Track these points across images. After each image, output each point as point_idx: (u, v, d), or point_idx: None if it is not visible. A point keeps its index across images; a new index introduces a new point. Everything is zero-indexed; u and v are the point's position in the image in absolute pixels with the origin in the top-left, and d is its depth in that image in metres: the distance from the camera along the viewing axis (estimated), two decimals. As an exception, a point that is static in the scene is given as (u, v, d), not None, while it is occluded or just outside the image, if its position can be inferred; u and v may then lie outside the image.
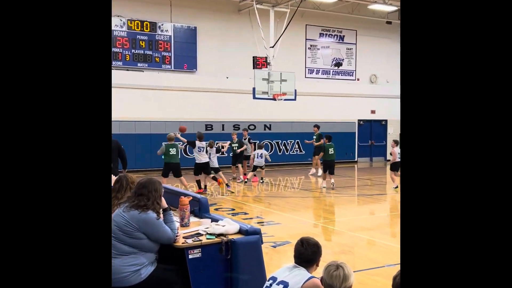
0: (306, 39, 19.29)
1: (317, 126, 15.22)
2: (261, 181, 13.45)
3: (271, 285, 2.92)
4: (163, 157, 11.14)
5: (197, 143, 11.55)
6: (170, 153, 10.95)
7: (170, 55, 16.38)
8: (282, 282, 2.89)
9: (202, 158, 11.54)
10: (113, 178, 7.69)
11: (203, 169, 11.56)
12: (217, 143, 12.61)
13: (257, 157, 13.20)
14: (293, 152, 18.64)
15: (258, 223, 8.16)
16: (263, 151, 13.37)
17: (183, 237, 3.57)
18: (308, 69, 19.37)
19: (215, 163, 11.94)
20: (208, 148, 11.99)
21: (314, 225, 8.56)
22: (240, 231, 3.72)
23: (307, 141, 15.75)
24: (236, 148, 13.83)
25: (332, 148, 12.36)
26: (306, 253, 2.96)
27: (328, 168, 12.38)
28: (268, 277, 3.06)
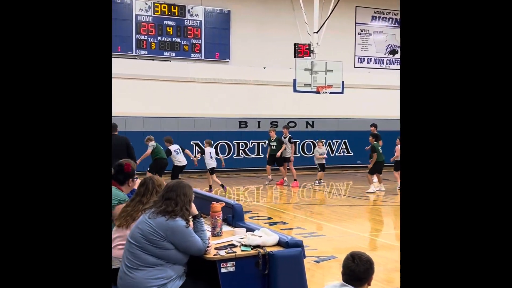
0: (356, 23, 19.09)
1: (374, 125, 14.89)
2: (317, 183, 14.09)
3: None
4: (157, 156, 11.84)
5: (171, 147, 12.33)
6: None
7: (200, 42, 16.58)
8: None
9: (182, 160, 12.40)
10: None
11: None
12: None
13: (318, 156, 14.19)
14: (340, 153, 18.47)
15: (299, 234, 8.14)
16: (323, 148, 14.37)
17: (215, 248, 3.60)
18: (358, 58, 19.17)
19: (211, 164, 12.44)
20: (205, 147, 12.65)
21: (363, 237, 8.46)
22: (279, 243, 3.72)
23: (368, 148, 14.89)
24: (274, 147, 13.82)
25: (380, 148, 12.94)
26: (358, 270, 2.93)
27: (380, 169, 12.92)
28: None
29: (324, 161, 14.39)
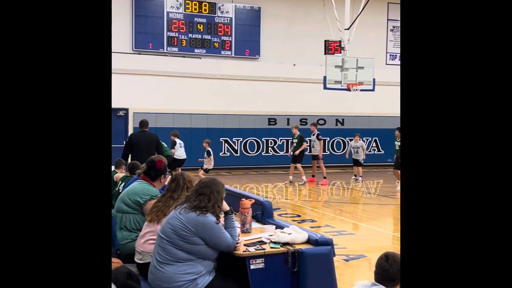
0: (388, 19, 18.84)
1: None
2: (357, 178, 14.24)
3: None
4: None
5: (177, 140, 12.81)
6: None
7: (230, 39, 16.64)
8: None
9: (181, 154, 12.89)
10: None
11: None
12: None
13: (355, 152, 14.05)
14: (370, 151, 18.26)
15: (328, 232, 8.10)
16: (360, 143, 14.09)
17: (244, 245, 3.61)
18: (390, 55, 18.91)
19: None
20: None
21: (394, 237, 8.36)
22: (308, 241, 3.71)
23: None
24: (295, 144, 13.68)
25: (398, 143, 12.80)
26: (391, 270, 2.90)
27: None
28: None
29: (360, 157, 14.23)
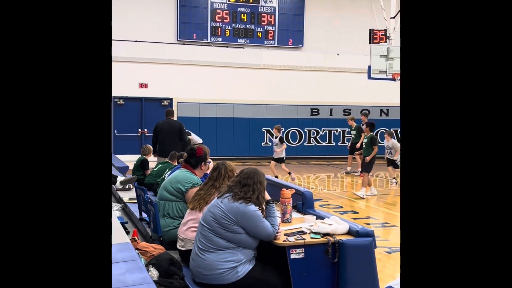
0: (435, 7, 18.32)
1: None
2: (395, 181, 12.18)
3: None
4: None
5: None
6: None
7: (274, 29, 16.59)
8: None
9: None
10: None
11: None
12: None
13: (388, 153, 12.10)
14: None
15: (370, 224, 8.02)
16: (391, 142, 12.05)
17: (284, 234, 3.62)
18: (437, 44, 18.42)
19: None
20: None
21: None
22: (349, 232, 3.70)
23: None
24: (354, 136, 13.57)
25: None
26: None
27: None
28: (383, 287, 3.01)
29: (394, 157, 12.07)
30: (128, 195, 7.00)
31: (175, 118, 13.48)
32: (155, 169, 7.53)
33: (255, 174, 3.66)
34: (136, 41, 14.94)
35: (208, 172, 4.60)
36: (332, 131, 17.23)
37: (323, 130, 17.11)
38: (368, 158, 10.43)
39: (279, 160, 12.01)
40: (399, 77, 13.61)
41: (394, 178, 12.32)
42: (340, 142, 17.23)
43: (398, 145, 11.81)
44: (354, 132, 13.58)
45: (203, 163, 4.79)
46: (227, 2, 16.19)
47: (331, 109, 17.11)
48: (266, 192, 3.71)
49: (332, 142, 17.19)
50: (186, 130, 10.97)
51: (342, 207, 9.47)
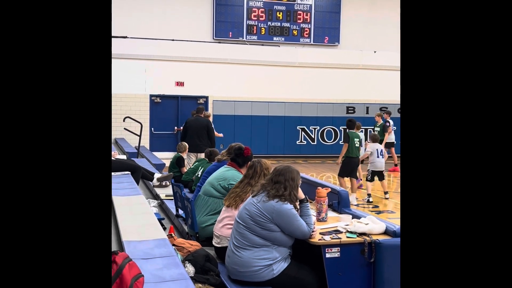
0: (475, 3, 17.90)
1: None
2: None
3: None
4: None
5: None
6: (355, 144, 9.19)
7: (309, 27, 16.51)
8: None
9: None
10: (200, 155, 8.24)
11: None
12: None
13: (377, 156, 9.59)
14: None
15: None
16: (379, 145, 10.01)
17: (320, 233, 3.62)
18: (477, 41, 17.99)
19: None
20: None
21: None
22: (386, 232, 3.67)
23: None
24: (378, 132, 13.37)
25: (357, 140, 9.31)
26: None
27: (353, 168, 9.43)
28: None
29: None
30: (165, 192, 7.10)
31: (211, 116, 13.67)
32: (192, 167, 7.61)
33: (286, 171, 3.66)
34: (173, 40, 15.12)
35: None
36: (369, 129, 17.01)
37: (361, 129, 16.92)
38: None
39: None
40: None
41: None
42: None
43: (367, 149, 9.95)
44: (378, 129, 13.13)
45: (249, 162, 4.82)
46: (263, 0, 16.19)
47: (367, 107, 16.90)
48: (300, 191, 3.70)
49: (368, 140, 16.98)
50: None
51: (378, 206, 9.36)
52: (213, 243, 4.18)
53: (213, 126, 10.61)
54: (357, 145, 9.24)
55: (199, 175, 6.51)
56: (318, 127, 16.52)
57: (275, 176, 3.65)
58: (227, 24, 16.04)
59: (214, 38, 15.94)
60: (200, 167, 6.83)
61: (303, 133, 16.54)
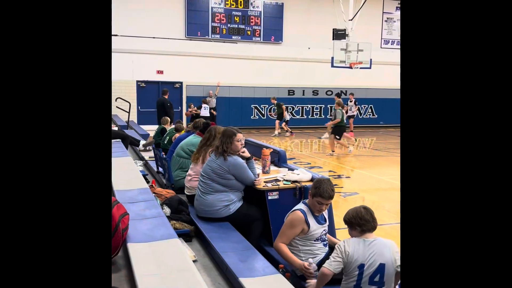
0: (383, 12, 18.10)
1: (351, 94, 15.02)
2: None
3: None
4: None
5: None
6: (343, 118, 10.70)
7: (260, 28, 16.34)
8: None
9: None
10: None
11: None
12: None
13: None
14: (367, 116, 17.99)
15: (330, 176, 8.13)
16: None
17: (264, 182, 3.67)
18: (384, 40, 18.27)
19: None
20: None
21: (381, 180, 8.35)
22: (312, 179, 3.71)
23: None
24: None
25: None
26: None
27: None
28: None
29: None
30: (149, 154, 7.02)
31: (184, 98, 13.60)
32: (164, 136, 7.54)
33: (224, 131, 3.70)
34: (154, 37, 14.69)
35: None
36: (304, 107, 17.23)
37: (297, 106, 17.10)
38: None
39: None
40: (355, 66, 13.57)
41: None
42: (310, 116, 17.27)
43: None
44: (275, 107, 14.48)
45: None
46: (224, 7, 15.87)
47: (303, 90, 17.06)
48: (247, 152, 3.71)
49: (304, 115, 17.21)
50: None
51: (310, 163, 9.57)
52: (185, 192, 4.20)
53: (169, 104, 11.16)
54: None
55: (166, 142, 6.59)
56: (267, 106, 16.56)
57: (222, 137, 3.68)
58: (196, 26, 15.67)
59: (186, 36, 15.56)
60: (167, 136, 6.83)
61: (256, 110, 16.56)
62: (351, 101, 14.86)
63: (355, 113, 15.10)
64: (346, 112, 13.49)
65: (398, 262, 2.35)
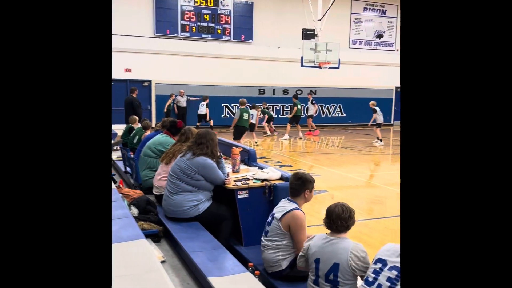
0: (351, 13, 18.45)
1: (295, 96, 14.94)
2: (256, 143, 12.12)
3: (271, 217, 2.98)
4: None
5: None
6: (243, 117, 10.39)
7: (230, 27, 16.29)
8: (272, 214, 2.96)
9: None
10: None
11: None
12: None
13: (251, 119, 11.52)
14: (335, 114, 18.30)
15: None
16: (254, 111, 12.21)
17: (234, 181, 3.67)
18: (352, 40, 18.63)
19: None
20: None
21: (349, 177, 8.52)
22: (281, 178, 3.76)
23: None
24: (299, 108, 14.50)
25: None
26: (293, 184, 2.95)
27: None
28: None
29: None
30: (116, 154, 6.87)
31: (153, 96, 13.41)
32: (131, 135, 7.39)
33: (207, 134, 3.62)
34: (121, 35, 14.35)
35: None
36: (275, 106, 17.33)
37: (268, 105, 17.16)
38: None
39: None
40: (324, 65, 13.76)
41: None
42: (281, 115, 17.38)
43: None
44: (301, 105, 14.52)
45: (179, 132, 4.77)
46: (193, 5, 15.72)
47: (274, 89, 17.15)
48: (217, 149, 3.71)
49: (274, 114, 17.29)
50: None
51: (280, 162, 9.64)
52: (154, 192, 4.14)
53: (138, 102, 11.08)
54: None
55: (134, 141, 6.43)
56: (238, 105, 16.52)
57: (198, 139, 3.62)
58: (165, 23, 15.45)
59: (155, 34, 15.31)
60: (136, 135, 6.68)
61: (226, 109, 16.51)
62: (309, 100, 14.90)
63: (314, 113, 14.94)
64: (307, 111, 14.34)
65: (355, 265, 2.34)
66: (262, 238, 3.00)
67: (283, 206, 2.93)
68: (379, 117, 12.85)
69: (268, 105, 17.14)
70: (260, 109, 13.27)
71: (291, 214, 2.83)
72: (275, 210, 3.00)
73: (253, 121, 11.81)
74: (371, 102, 13.13)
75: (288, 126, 14.10)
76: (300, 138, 14.11)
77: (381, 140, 12.95)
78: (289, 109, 17.48)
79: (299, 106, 13.87)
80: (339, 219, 2.48)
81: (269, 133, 14.71)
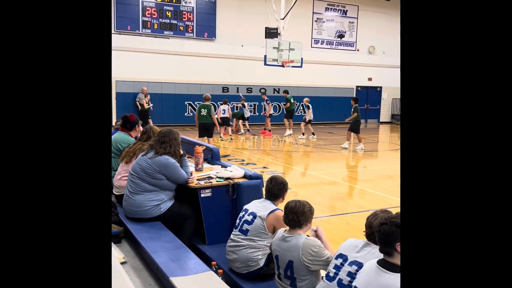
0: (313, 12, 18.74)
1: (286, 91, 15.17)
2: (228, 139, 12.90)
3: (243, 215, 3.02)
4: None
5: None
6: (201, 113, 10.07)
7: (192, 24, 16.11)
8: (251, 213, 2.96)
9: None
10: None
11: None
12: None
13: (222, 113, 13.17)
14: (298, 113, 18.52)
15: (263, 172, 8.27)
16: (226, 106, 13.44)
17: (197, 179, 3.63)
18: (314, 40, 18.94)
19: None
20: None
21: (312, 175, 8.66)
22: (245, 176, 3.77)
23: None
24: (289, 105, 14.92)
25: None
26: (274, 189, 3.02)
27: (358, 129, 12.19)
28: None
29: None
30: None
31: (114, 93, 12.93)
32: None
33: (170, 133, 3.56)
34: (79, 30, 13.83)
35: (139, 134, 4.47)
36: (238, 105, 17.30)
37: (232, 103, 17.13)
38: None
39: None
40: (287, 64, 13.91)
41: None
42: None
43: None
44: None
45: (136, 125, 4.67)
46: (155, 1, 15.41)
47: (237, 88, 17.13)
48: (180, 148, 3.67)
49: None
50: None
51: (244, 160, 9.66)
52: (114, 192, 4.03)
53: None
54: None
55: None
56: (201, 102, 16.38)
57: (161, 137, 3.55)
58: (126, 19, 15.06)
59: (116, 30, 14.89)
60: None
61: (189, 107, 16.33)
62: (264, 101, 15.05)
63: (268, 113, 14.92)
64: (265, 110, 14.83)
65: (308, 261, 2.37)
66: (237, 238, 2.98)
67: (264, 205, 2.96)
68: (311, 114, 13.79)
69: (232, 104, 17.14)
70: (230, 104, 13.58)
71: (275, 215, 2.88)
72: (252, 208, 2.99)
73: (225, 115, 12.96)
74: (305, 99, 14.07)
75: (285, 121, 14.54)
76: (290, 135, 14.39)
77: (313, 134, 13.81)
78: (253, 107, 17.56)
79: (292, 101, 14.26)
80: (291, 213, 2.51)
81: (242, 131, 14.69)
